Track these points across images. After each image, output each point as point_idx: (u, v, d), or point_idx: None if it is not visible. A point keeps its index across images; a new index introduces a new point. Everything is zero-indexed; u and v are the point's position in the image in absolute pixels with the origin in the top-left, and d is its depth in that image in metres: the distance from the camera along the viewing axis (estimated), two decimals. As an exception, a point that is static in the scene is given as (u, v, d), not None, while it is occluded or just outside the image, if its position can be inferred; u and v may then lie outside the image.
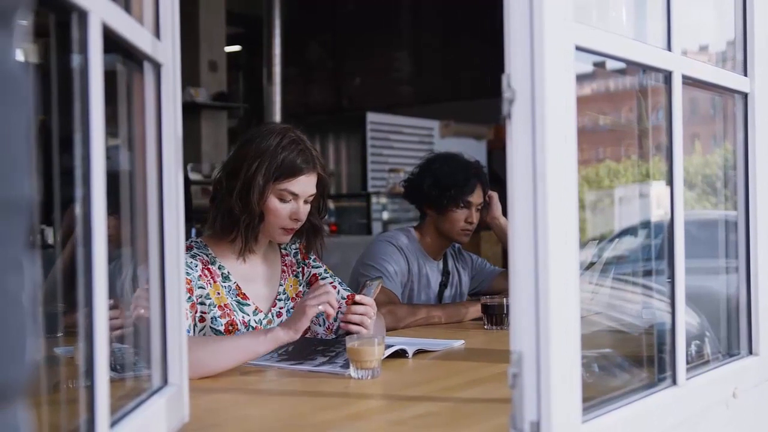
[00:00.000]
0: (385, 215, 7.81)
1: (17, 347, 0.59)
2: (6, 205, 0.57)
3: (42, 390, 1.14)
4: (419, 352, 2.22)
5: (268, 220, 2.25)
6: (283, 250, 2.45)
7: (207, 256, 2.26)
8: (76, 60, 1.02)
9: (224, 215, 2.24)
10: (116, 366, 1.34)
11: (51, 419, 1.18)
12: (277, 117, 8.24)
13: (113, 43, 1.13)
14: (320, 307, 2.02)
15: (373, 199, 7.71)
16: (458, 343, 2.39)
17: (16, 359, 0.59)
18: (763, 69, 1.87)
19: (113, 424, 1.10)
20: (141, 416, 1.22)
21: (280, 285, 2.39)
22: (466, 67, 9.12)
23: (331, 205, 7.96)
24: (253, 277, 2.33)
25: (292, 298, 2.40)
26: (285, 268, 2.42)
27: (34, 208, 0.63)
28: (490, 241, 6.44)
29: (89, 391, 1.02)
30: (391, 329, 2.71)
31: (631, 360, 1.72)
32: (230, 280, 2.27)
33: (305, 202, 2.28)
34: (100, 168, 1.03)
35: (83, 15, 1.01)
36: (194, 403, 1.48)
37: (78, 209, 1.02)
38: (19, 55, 0.63)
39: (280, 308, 2.37)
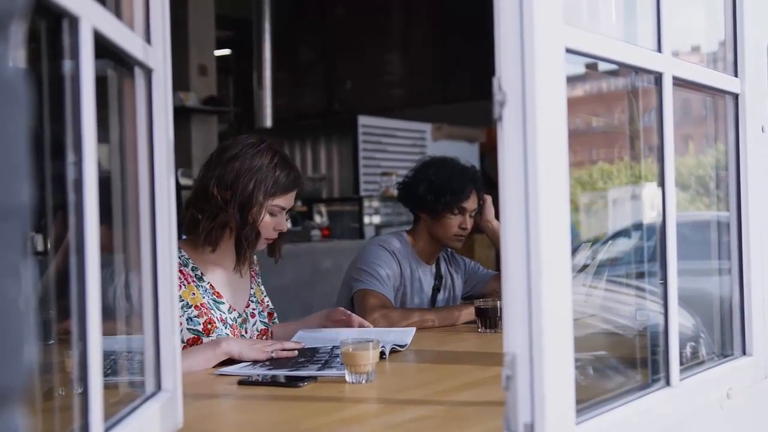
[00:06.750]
0: (378, 219, 7.79)
1: (16, 352, 0.59)
2: (5, 212, 0.57)
3: (35, 397, 1.13)
4: (394, 351, 2.25)
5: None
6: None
7: (180, 258, 2.29)
8: (67, 66, 1.02)
9: (218, 227, 2.29)
10: (107, 371, 1.33)
11: (43, 426, 1.18)
12: (268, 121, 8.23)
13: (103, 48, 1.12)
14: (272, 354, 2.15)
15: (366, 203, 7.68)
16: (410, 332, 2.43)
17: (15, 364, 0.60)
18: (753, 70, 1.88)
19: (107, 430, 1.10)
20: (135, 422, 1.22)
21: (251, 288, 2.48)
22: (457, 70, 9.13)
23: (323, 209, 7.94)
24: (227, 280, 2.40)
25: (260, 301, 2.50)
26: (253, 274, 2.52)
27: (30, 214, 0.63)
28: (483, 245, 6.44)
29: (83, 398, 1.02)
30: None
31: (625, 361, 1.72)
32: (204, 281, 2.32)
33: (287, 213, 2.39)
34: (92, 174, 1.02)
35: (74, 21, 1.00)
36: (188, 408, 1.47)
37: (70, 216, 1.01)
38: (16, 62, 0.63)
39: (253, 309, 2.46)
